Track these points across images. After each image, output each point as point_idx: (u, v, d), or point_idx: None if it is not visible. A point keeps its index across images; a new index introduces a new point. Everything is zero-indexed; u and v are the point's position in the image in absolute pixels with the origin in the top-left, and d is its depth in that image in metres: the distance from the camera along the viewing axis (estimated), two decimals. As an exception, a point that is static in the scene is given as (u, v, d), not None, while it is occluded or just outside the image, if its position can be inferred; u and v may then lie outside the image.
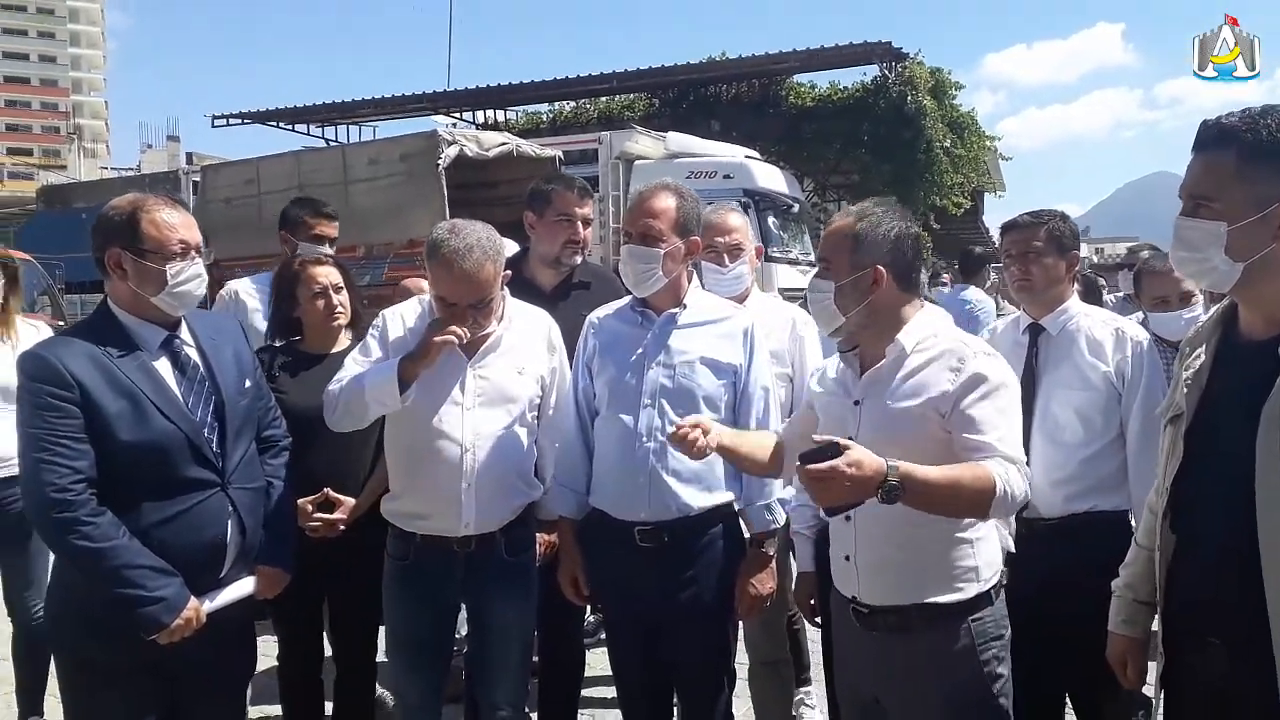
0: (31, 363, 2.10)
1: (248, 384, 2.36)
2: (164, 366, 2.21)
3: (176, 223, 2.19)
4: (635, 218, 2.54)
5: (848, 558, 2.05)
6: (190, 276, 2.19)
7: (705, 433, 2.14)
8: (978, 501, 1.83)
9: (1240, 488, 1.58)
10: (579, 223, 3.10)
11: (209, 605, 2.18)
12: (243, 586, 2.29)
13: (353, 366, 2.50)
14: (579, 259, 3.14)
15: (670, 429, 2.22)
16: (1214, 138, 1.66)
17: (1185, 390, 1.77)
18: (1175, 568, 1.77)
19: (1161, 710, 1.80)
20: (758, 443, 2.30)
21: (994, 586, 2.03)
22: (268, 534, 2.36)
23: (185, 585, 2.13)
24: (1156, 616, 1.89)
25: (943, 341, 2.02)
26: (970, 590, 1.99)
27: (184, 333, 2.28)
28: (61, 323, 9.43)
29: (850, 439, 2.02)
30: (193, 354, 2.28)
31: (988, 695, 1.98)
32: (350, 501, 2.78)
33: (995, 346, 2.15)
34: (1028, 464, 1.96)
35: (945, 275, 13.02)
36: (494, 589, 2.53)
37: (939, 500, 1.82)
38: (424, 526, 2.50)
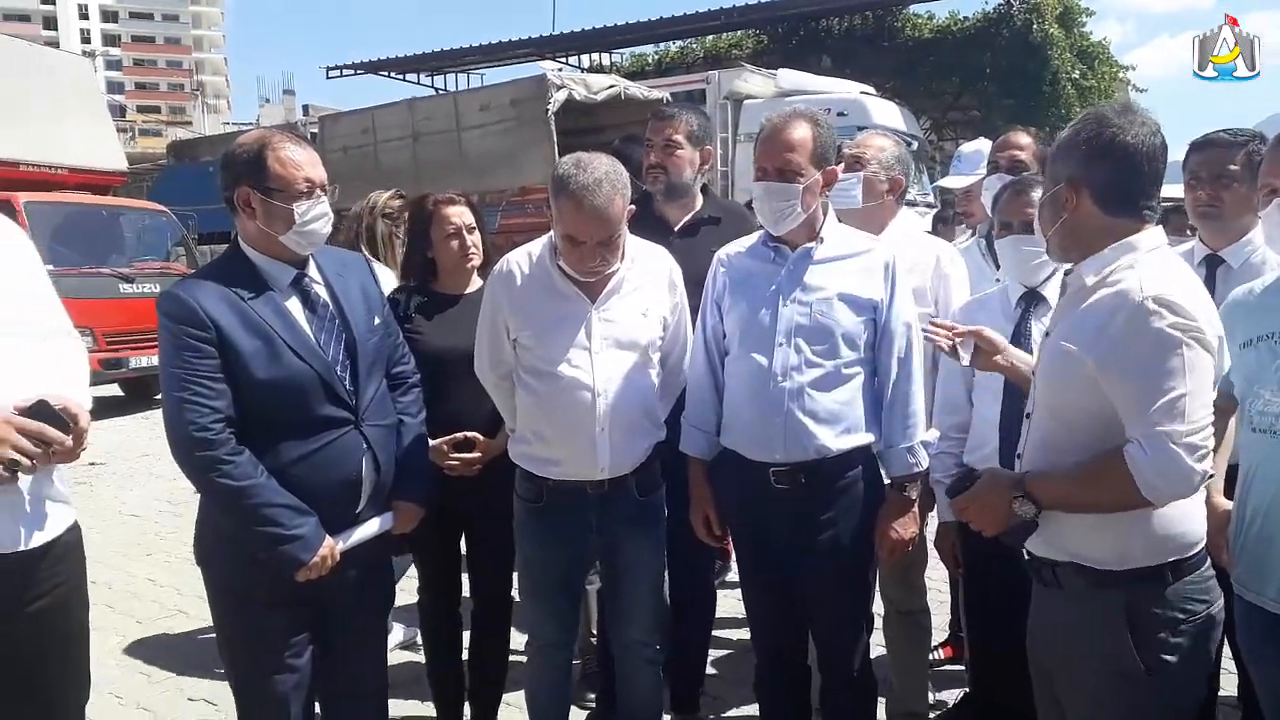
0: (170, 303, 2.10)
1: (376, 321, 2.34)
2: (294, 305, 2.20)
3: (302, 160, 2.16)
4: (772, 151, 2.37)
5: None
6: (317, 215, 2.17)
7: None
8: (1123, 495, 1.64)
9: None
10: (657, 148, 3.03)
11: (344, 544, 2.19)
12: (378, 523, 2.30)
13: (486, 329, 2.51)
14: (660, 185, 3.05)
15: None
16: None
17: None
18: None
19: None
20: None
21: (1173, 562, 1.72)
22: (403, 470, 2.35)
23: (321, 524, 2.13)
24: None
25: (1129, 279, 1.70)
26: (1138, 559, 1.72)
27: (312, 270, 2.27)
28: (194, 273, 9.80)
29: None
30: (322, 291, 2.26)
31: (1140, 679, 1.70)
32: (488, 442, 2.76)
33: None
34: None
35: None
36: (626, 529, 2.49)
37: (1081, 503, 1.72)
38: (558, 472, 2.46)
